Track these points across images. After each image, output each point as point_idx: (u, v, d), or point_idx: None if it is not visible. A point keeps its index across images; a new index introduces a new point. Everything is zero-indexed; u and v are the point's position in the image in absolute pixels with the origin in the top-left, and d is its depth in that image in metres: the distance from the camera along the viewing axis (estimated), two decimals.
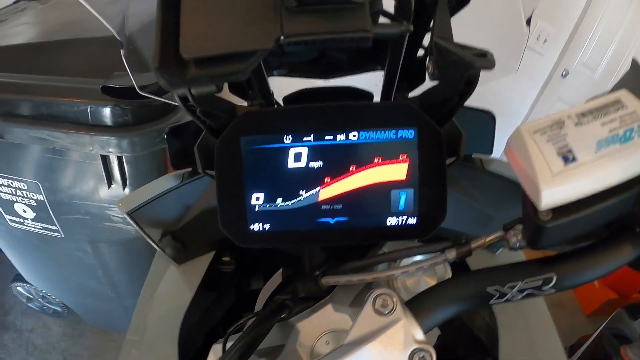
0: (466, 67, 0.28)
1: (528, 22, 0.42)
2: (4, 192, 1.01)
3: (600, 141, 0.26)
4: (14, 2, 1.27)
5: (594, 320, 1.78)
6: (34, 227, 1.07)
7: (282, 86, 0.51)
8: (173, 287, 0.57)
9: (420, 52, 0.42)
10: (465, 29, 0.39)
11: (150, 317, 0.54)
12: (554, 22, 1.74)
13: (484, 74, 0.32)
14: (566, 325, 1.79)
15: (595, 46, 1.85)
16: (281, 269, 0.73)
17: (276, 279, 0.73)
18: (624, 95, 0.27)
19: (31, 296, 1.53)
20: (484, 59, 0.27)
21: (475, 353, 0.58)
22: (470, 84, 0.33)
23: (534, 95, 1.95)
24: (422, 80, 0.44)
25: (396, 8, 0.29)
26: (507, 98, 1.90)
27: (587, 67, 1.90)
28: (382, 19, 0.28)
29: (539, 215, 0.27)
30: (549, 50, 1.81)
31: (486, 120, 0.48)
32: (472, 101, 0.47)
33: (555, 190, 0.25)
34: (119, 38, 0.44)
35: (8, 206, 1.04)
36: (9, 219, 1.08)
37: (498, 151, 0.47)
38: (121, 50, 0.45)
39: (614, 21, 1.81)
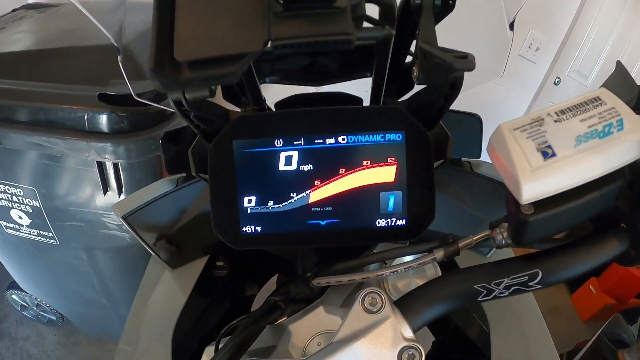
0: (447, 69, 0.29)
1: (511, 26, 0.43)
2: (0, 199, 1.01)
3: (579, 137, 0.26)
4: (13, 10, 1.29)
5: (592, 325, 1.77)
6: (30, 234, 1.07)
7: (274, 93, 0.52)
8: (167, 291, 0.57)
9: (409, 59, 0.43)
10: (450, 35, 0.40)
11: (143, 323, 0.54)
12: (546, 30, 1.76)
13: (470, 79, 0.33)
14: (563, 331, 1.79)
15: (587, 53, 1.87)
16: (276, 275, 0.73)
17: (270, 285, 0.73)
18: (602, 92, 0.28)
19: (26, 304, 1.52)
20: (464, 60, 0.28)
21: (470, 357, 0.58)
22: (454, 87, 0.33)
23: (527, 103, 1.97)
24: (411, 86, 0.45)
25: (380, 14, 0.30)
26: (501, 105, 1.91)
27: (580, 74, 1.93)
28: (367, 25, 0.29)
29: (521, 209, 0.27)
30: (541, 58, 1.83)
31: (473, 123, 0.49)
32: (466, 108, 0.47)
33: (535, 184, 0.26)
34: (116, 45, 0.45)
35: (4, 212, 1.04)
36: (5, 226, 1.07)
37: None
38: (118, 57, 0.45)
39: (605, 29, 1.84)
